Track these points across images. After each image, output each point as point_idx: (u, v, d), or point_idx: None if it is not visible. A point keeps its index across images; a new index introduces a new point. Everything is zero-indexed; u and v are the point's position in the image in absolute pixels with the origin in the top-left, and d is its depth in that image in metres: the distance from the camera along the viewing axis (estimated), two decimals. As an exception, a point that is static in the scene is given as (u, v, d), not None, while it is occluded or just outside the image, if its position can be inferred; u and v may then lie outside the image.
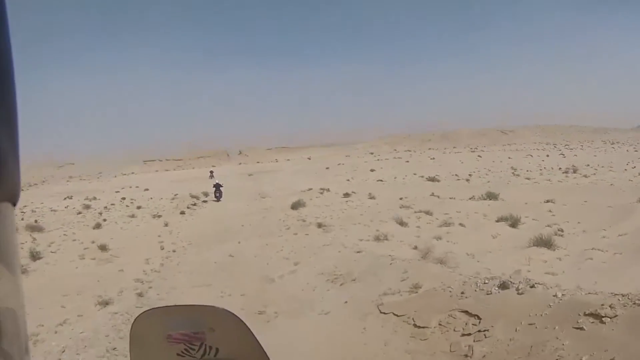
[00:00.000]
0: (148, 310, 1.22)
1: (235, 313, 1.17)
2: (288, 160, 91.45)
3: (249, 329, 1.19)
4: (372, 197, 24.43)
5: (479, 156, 63.12)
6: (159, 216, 22.46)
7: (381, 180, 36.48)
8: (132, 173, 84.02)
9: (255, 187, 37.18)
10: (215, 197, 28.83)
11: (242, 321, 1.19)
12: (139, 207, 28.13)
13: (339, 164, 60.28)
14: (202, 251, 14.25)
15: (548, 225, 14.34)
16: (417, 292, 8.12)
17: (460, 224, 15.54)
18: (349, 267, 10.62)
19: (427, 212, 17.97)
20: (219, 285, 10.57)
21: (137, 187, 47.41)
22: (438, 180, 33.84)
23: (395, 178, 38.88)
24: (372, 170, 48.17)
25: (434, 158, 62.45)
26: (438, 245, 12.13)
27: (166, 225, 19.77)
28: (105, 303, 9.31)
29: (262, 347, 1.22)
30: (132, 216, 23.09)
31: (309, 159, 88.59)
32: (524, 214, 15.92)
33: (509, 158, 58.15)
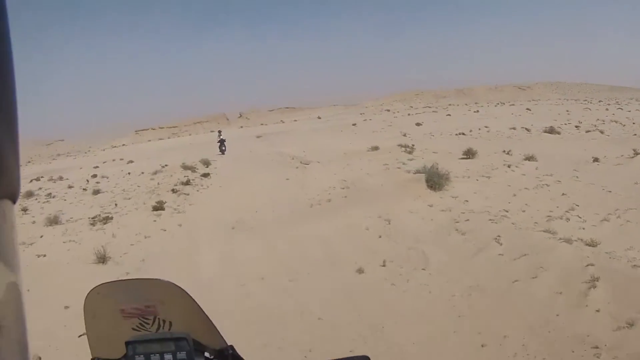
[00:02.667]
0: (98, 285, 1.17)
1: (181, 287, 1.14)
2: (295, 120, 78.13)
3: (197, 303, 1.17)
4: (530, 159, 12.29)
5: (528, 109, 50.33)
6: (106, 221, 10.10)
7: (462, 134, 23.94)
8: (123, 145, 73.10)
9: (276, 150, 24.77)
10: (221, 150, 26.79)
11: (189, 294, 1.17)
12: (96, 193, 16.23)
13: (365, 120, 47.71)
14: None
15: None
16: None
17: None
18: None
19: None
20: None
21: (121, 159, 35.54)
22: (558, 133, 21.39)
23: (471, 131, 26.30)
24: (418, 125, 35.62)
25: (478, 111, 49.75)
26: None
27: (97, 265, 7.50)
28: None
29: (210, 320, 1.19)
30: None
31: (319, 118, 75.36)
32: None
33: (567, 112, 45.54)
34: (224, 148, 26.99)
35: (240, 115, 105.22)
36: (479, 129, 27.21)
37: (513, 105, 61.64)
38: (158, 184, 15.75)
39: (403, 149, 15.36)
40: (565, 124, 29.33)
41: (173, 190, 12.60)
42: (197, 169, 19.22)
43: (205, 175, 16.39)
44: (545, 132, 21.49)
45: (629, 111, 43.93)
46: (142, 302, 1.16)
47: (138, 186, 16.99)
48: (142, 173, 22.03)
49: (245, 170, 16.90)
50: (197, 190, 13.06)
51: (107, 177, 22.91)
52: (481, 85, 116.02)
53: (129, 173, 23.55)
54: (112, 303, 1.17)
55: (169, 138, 77.29)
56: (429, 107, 78.31)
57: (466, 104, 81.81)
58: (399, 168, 11.52)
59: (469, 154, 13.54)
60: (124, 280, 1.18)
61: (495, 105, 62.13)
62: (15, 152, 0.39)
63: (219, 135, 33.32)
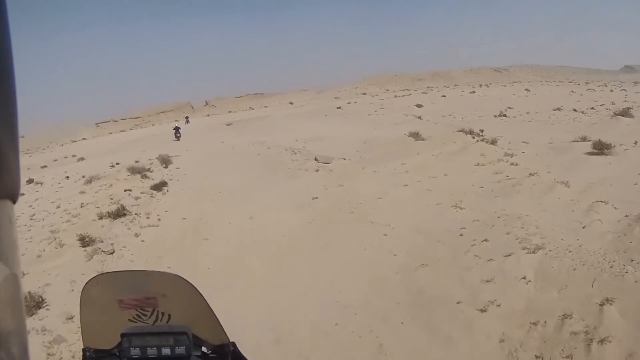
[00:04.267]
0: (98, 275, 1.10)
1: (186, 279, 1.05)
2: (265, 107, 71.00)
3: (202, 295, 1.09)
4: None
5: (526, 90, 45.60)
6: None
7: (504, 116, 18.63)
8: (83, 139, 64.60)
9: (259, 141, 18.78)
10: (176, 137, 26.03)
11: (195, 287, 1.10)
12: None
13: (350, 103, 41.95)
14: None
15: None
16: None
17: None
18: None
19: None
20: None
21: (73, 156, 28.76)
22: (632, 116, 16.42)
23: (504, 113, 20.92)
24: (419, 106, 30.36)
25: (474, 92, 44.77)
26: None
27: None
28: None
29: (214, 314, 1.12)
30: None
31: (292, 103, 68.80)
32: None
33: (573, 92, 40.96)
34: (178, 135, 26.16)
35: (206, 103, 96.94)
36: (506, 110, 21.98)
37: (504, 86, 56.99)
38: (82, 205, 9.58)
39: (471, 136, 9.72)
40: (599, 105, 24.65)
41: (82, 242, 6.30)
42: (151, 171, 13.17)
43: (160, 186, 10.24)
44: (617, 114, 16.46)
45: (637, 93, 39.60)
46: (142, 293, 1.07)
47: (58, 207, 10.81)
48: (83, 177, 16.11)
49: (224, 177, 10.93)
50: (137, 235, 6.81)
51: (42, 184, 17.19)
52: (457, 68, 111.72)
53: (67, 177, 17.76)
54: (111, 293, 1.08)
55: (130, 130, 69.06)
56: (407, 89, 72.96)
57: (445, 86, 77.12)
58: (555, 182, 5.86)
59: (601, 147, 8.07)
60: (127, 271, 1.08)
61: (487, 87, 57.32)
62: (15, 152, 0.39)
63: (187, 122, 32.72)
